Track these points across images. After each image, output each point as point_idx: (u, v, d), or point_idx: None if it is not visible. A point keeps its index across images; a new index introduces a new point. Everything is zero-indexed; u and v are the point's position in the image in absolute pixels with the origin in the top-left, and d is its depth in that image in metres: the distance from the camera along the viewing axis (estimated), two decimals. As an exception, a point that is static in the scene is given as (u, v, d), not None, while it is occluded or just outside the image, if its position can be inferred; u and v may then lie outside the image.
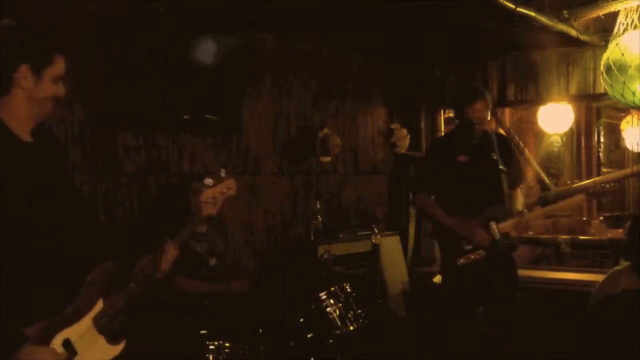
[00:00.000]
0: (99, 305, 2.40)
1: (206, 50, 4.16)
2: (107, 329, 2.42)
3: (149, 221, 4.02)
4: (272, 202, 5.06)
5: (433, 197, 4.15)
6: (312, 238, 5.09)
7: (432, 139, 6.37)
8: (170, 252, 2.53)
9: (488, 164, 4.02)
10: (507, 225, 3.98)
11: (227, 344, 3.37)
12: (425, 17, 4.68)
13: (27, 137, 2.31)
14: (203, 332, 3.40)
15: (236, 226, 4.75)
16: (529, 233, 5.30)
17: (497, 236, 3.92)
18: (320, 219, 5.15)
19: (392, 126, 6.19)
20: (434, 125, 6.43)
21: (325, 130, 5.38)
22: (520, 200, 4.22)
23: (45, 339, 2.23)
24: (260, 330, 3.52)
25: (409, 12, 4.57)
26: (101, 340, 2.40)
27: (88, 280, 2.38)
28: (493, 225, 3.92)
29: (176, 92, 4.05)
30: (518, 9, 4.04)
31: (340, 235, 5.26)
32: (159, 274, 2.52)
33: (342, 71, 5.69)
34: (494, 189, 4.01)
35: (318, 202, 5.22)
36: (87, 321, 2.37)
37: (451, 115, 6.85)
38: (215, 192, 2.54)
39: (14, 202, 2.18)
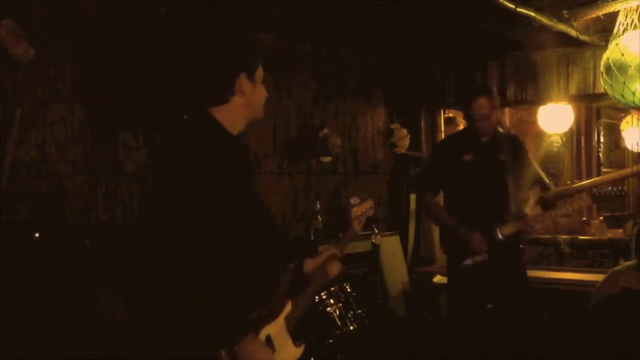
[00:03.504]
0: (289, 305, 2.51)
1: (206, 50, 4.16)
2: (294, 330, 2.52)
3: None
4: (272, 202, 5.05)
5: (437, 197, 4.13)
6: (312, 238, 5.09)
7: (432, 138, 6.37)
8: (337, 258, 2.76)
9: (494, 165, 3.98)
10: (510, 227, 3.93)
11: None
12: (425, 17, 4.68)
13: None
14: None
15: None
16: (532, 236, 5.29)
17: (500, 239, 3.88)
18: (320, 219, 5.15)
19: (392, 126, 6.19)
20: (434, 125, 6.43)
21: (325, 130, 5.38)
22: (530, 204, 4.16)
23: (256, 332, 2.29)
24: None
25: (409, 12, 4.57)
26: (289, 340, 2.49)
27: (282, 279, 2.46)
28: (497, 227, 3.89)
29: (176, 92, 4.05)
30: (518, 9, 4.04)
31: (341, 235, 5.25)
32: (330, 279, 2.74)
33: (342, 71, 5.69)
34: (499, 190, 3.96)
35: (318, 202, 5.22)
36: (281, 320, 2.46)
37: (451, 115, 6.87)
38: (361, 209, 2.99)
39: (231, 194, 2.23)
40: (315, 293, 2.74)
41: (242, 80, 2.33)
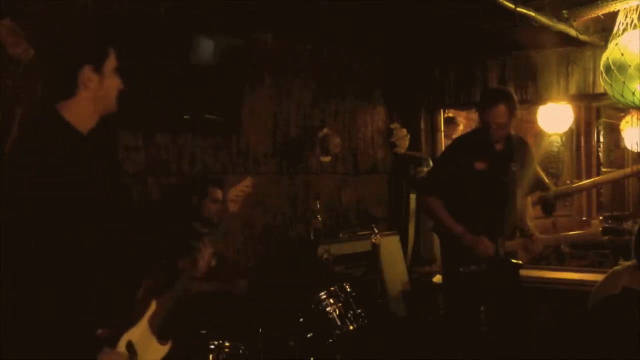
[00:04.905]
0: (153, 306, 2.49)
1: (206, 50, 4.16)
2: (159, 330, 2.51)
3: (160, 221, 4.01)
4: (272, 202, 5.06)
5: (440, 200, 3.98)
6: (312, 238, 5.09)
7: (432, 138, 6.37)
8: (208, 252, 2.71)
9: (506, 176, 3.83)
10: (515, 244, 3.87)
11: (227, 344, 3.37)
12: (425, 17, 4.68)
13: (86, 132, 2.29)
14: (203, 332, 3.40)
15: (236, 226, 4.74)
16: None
17: (502, 253, 3.79)
18: (320, 219, 5.15)
19: (392, 126, 6.19)
20: (434, 125, 6.44)
21: (325, 130, 5.38)
22: (530, 211, 4.07)
23: (114, 342, 2.26)
24: (260, 330, 3.52)
25: (409, 12, 4.57)
26: (154, 341, 2.50)
27: (145, 281, 2.44)
28: (501, 240, 3.79)
29: (176, 92, 4.05)
30: (518, 9, 4.04)
31: (340, 235, 5.26)
32: (199, 273, 2.70)
33: (342, 71, 5.69)
34: (506, 202, 3.84)
35: (318, 202, 5.22)
36: (144, 323, 2.44)
37: (451, 115, 6.88)
38: (237, 190, 2.88)
39: (69, 197, 2.14)
40: (184, 288, 2.69)
41: (87, 73, 2.22)
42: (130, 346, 2.34)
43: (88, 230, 2.18)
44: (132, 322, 2.39)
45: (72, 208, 2.13)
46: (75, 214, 2.14)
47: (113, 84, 2.30)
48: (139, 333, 2.41)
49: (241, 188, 2.92)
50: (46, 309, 2.03)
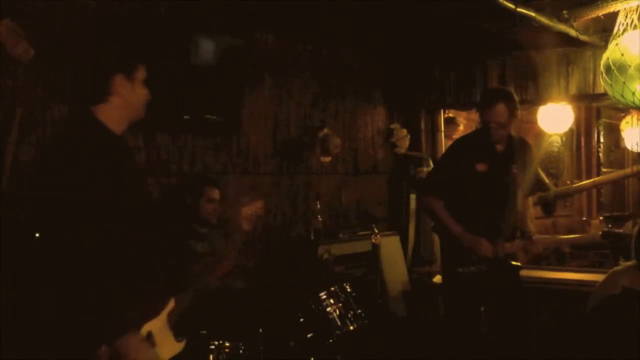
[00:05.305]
0: (171, 303, 2.65)
1: (206, 50, 4.17)
2: (175, 327, 2.65)
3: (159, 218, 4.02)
4: (272, 202, 5.06)
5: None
6: (312, 238, 5.09)
7: (432, 138, 6.37)
8: (228, 259, 2.94)
9: (507, 178, 3.82)
10: (514, 245, 3.86)
11: (227, 344, 3.38)
12: (425, 16, 4.68)
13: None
14: (203, 332, 3.40)
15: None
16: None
17: (502, 254, 3.77)
18: (320, 219, 5.15)
19: (392, 126, 6.19)
20: (434, 125, 6.44)
21: (325, 130, 5.38)
22: (530, 212, 4.06)
23: (137, 328, 2.37)
24: (260, 330, 3.52)
25: (409, 12, 4.57)
26: (170, 336, 2.64)
27: (165, 278, 2.59)
28: (500, 242, 3.78)
29: (176, 92, 4.05)
30: (518, 9, 4.04)
31: (340, 235, 5.26)
32: (215, 278, 2.92)
33: (342, 71, 5.69)
34: (507, 203, 3.82)
35: (318, 202, 5.22)
36: (163, 317, 2.60)
37: (451, 115, 6.88)
38: (251, 210, 3.06)
39: (110, 191, 2.26)
40: (199, 290, 2.87)
41: (118, 81, 2.36)
42: (149, 336, 2.46)
43: (124, 227, 2.29)
44: (153, 314, 2.52)
45: (111, 205, 2.24)
46: (111, 212, 2.24)
47: (142, 92, 2.45)
48: (159, 326, 2.54)
49: (254, 208, 3.09)
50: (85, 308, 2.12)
